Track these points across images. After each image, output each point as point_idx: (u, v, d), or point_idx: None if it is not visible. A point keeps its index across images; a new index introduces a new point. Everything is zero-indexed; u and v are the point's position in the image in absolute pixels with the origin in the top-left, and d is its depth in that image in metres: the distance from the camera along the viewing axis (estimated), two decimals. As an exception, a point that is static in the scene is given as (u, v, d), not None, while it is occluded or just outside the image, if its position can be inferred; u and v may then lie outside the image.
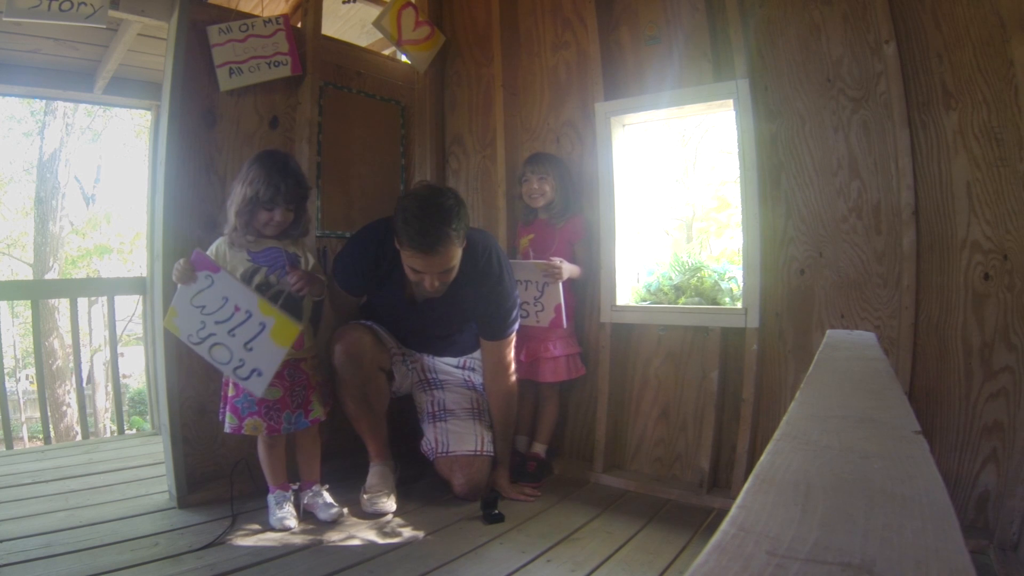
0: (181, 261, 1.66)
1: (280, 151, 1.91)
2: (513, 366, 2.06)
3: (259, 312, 1.67)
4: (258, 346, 1.66)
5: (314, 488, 1.87)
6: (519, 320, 2.05)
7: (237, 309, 1.66)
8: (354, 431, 2.04)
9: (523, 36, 2.53)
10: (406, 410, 2.22)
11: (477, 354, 2.21)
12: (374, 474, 1.99)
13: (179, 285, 1.66)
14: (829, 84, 1.87)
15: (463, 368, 2.18)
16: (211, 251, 1.75)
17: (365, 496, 1.91)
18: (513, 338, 2.04)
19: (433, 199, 1.73)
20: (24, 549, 1.56)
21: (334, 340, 1.93)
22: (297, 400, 1.79)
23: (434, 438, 2.02)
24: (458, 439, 2.00)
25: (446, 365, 2.16)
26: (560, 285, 2.11)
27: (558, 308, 2.12)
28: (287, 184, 1.72)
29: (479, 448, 2.01)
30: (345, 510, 1.85)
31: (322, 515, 1.81)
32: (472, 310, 1.98)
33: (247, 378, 1.67)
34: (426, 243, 1.69)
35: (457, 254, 1.77)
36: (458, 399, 2.10)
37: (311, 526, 1.78)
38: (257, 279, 1.73)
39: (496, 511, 1.85)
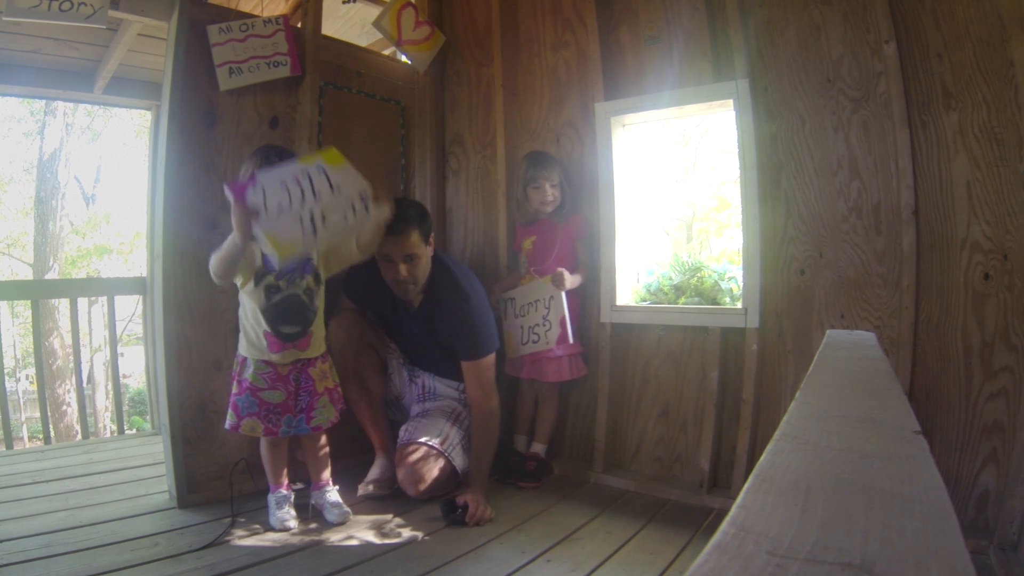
0: (237, 218, 1.51)
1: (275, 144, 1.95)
2: (493, 390, 2.02)
3: (305, 166, 1.58)
4: (337, 181, 1.58)
5: (323, 488, 1.88)
6: (496, 344, 2.03)
7: (298, 180, 1.54)
8: (363, 431, 2.08)
9: (523, 36, 2.53)
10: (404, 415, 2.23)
11: None
12: (377, 466, 2.08)
13: (255, 225, 1.51)
14: (829, 84, 1.87)
15: (460, 392, 2.18)
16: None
17: (361, 486, 2.00)
18: (491, 360, 2.02)
19: (398, 199, 1.95)
20: (24, 549, 1.56)
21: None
22: (300, 405, 1.79)
23: (403, 430, 2.05)
24: (417, 431, 2.00)
25: (445, 386, 2.19)
26: (563, 296, 2.10)
27: (562, 321, 2.10)
28: (281, 158, 1.70)
29: (431, 441, 1.96)
30: (349, 510, 1.85)
31: (329, 516, 1.82)
32: (445, 332, 2.01)
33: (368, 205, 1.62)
34: (393, 224, 1.83)
35: (417, 241, 1.90)
36: (442, 405, 2.13)
37: (312, 526, 1.78)
38: (267, 281, 1.74)
39: (457, 512, 1.80)
